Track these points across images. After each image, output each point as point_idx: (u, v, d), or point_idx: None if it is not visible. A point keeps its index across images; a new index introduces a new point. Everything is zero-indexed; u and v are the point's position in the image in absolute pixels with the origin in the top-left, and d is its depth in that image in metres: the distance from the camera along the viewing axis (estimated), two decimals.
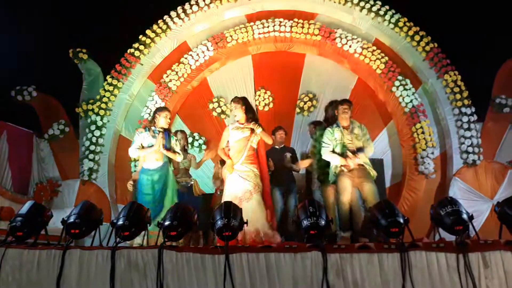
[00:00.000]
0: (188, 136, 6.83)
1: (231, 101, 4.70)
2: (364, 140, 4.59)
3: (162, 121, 4.74)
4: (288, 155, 5.57)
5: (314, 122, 5.63)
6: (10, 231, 3.39)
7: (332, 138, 4.56)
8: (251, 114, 4.62)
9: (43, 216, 3.57)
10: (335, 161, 4.51)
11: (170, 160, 4.74)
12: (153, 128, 4.72)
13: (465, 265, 2.89)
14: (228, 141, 4.64)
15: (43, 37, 7.83)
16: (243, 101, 4.64)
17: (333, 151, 4.53)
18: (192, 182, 5.63)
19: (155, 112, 4.89)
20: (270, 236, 4.15)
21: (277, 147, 5.67)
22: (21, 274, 3.22)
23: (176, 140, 4.86)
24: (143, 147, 4.65)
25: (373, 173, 4.49)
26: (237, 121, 4.62)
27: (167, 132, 4.76)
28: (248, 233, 4.03)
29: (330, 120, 4.88)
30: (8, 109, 7.47)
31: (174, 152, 4.70)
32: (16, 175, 7.07)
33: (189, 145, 7.06)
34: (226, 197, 4.31)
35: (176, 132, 5.78)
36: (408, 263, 2.93)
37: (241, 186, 4.31)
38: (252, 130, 4.50)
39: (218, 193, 5.58)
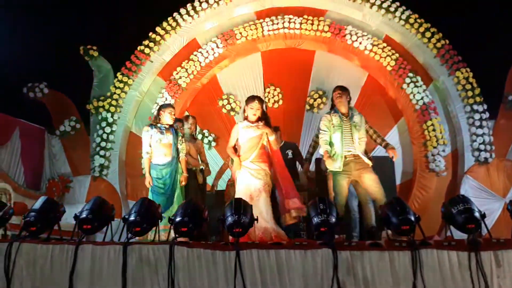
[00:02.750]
0: (198, 132, 6.85)
1: (253, 98, 4.54)
2: (363, 131, 4.51)
3: (167, 117, 4.78)
4: (290, 152, 5.57)
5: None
6: (24, 225, 3.43)
7: (329, 125, 4.47)
8: (264, 115, 4.56)
9: (56, 212, 3.60)
10: (321, 151, 4.51)
11: (178, 154, 4.79)
12: (159, 125, 4.76)
13: (477, 264, 2.87)
14: (237, 139, 4.59)
15: (54, 34, 7.89)
16: (263, 103, 4.60)
17: (330, 140, 4.45)
18: (201, 167, 5.58)
19: (159, 109, 4.92)
20: (281, 234, 4.15)
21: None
22: (35, 268, 3.26)
23: (182, 136, 4.90)
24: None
25: (368, 161, 4.40)
26: (247, 119, 4.52)
27: (173, 128, 4.81)
28: (256, 230, 4.04)
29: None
30: (20, 106, 7.56)
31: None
32: (28, 171, 7.16)
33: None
34: (237, 194, 4.30)
35: (188, 117, 5.76)
36: (419, 261, 2.92)
37: (251, 184, 4.30)
38: (265, 128, 4.46)
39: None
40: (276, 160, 4.50)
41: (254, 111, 4.45)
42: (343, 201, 4.35)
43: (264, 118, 4.52)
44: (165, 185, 4.58)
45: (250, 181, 4.31)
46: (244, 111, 4.57)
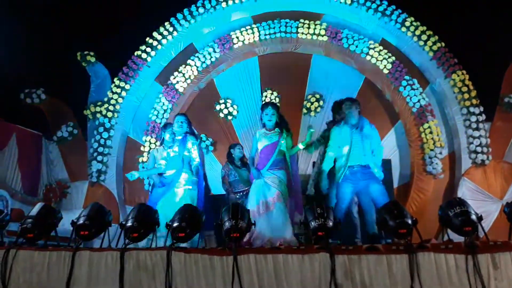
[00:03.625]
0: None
1: (267, 105, 4.57)
2: (375, 141, 4.50)
3: (176, 128, 4.74)
4: None
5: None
6: (21, 232, 3.42)
7: (338, 138, 4.46)
8: (282, 122, 4.57)
9: (53, 218, 3.60)
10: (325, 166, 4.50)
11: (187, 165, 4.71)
12: (171, 139, 4.81)
13: (474, 267, 2.86)
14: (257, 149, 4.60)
15: (51, 40, 7.89)
16: (278, 108, 4.61)
17: (341, 152, 4.45)
18: None
19: (163, 130, 5.02)
20: (288, 243, 4.07)
21: None
22: (32, 275, 3.24)
23: (192, 144, 4.76)
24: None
25: (379, 174, 4.41)
26: (265, 126, 4.54)
27: (183, 139, 4.71)
28: (258, 241, 4.03)
29: (339, 119, 4.84)
30: (17, 111, 7.54)
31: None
32: (25, 177, 7.14)
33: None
34: (250, 203, 4.32)
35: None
36: (417, 264, 2.91)
37: (266, 192, 4.29)
38: (280, 135, 4.46)
39: (238, 196, 5.60)
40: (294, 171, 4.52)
41: (269, 117, 4.48)
42: (343, 208, 4.35)
43: (280, 124, 4.53)
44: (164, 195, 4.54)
45: (265, 189, 4.30)
46: (261, 118, 4.60)
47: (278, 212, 4.22)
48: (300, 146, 4.67)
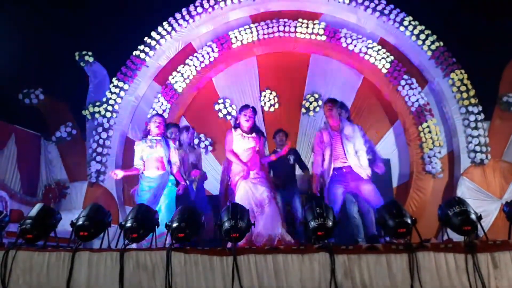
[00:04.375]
0: (194, 137, 6.81)
1: (247, 107, 4.54)
2: (358, 141, 4.43)
3: (153, 128, 4.71)
4: (292, 158, 5.58)
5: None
6: (20, 233, 3.41)
7: (320, 142, 4.47)
8: (255, 126, 4.59)
9: (53, 219, 3.59)
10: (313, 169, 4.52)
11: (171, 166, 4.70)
12: (149, 137, 4.73)
13: (474, 266, 2.87)
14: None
15: (49, 40, 7.88)
16: (256, 113, 4.60)
17: (323, 156, 4.46)
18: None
19: (148, 123, 4.93)
20: (286, 241, 4.11)
21: (278, 149, 5.69)
22: (31, 276, 3.24)
23: (175, 148, 4.81)
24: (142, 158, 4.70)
25: (366, 173, 4.34)
26: (240, 127, 4.49)
27: (165, 140, 4.72)
28: (259, 237, 4.03)
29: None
30: (15, 112, 7.53)
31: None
32: (24, 177, 7.12)
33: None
34: (241, 201, 4.27)
35: (183, 128, 5.72)
36: (417, 264, 2.92)
37: (258, 193, 4.27)
38: (258, 140, 4.47)
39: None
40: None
41: (247, 117, 4.45)
42: (337, 210, 4.34)
43: (256, 129, 4.54)
44: (149, 198, 4.46)
45: (254, 191, 4.28)
46: (237, 118, 4.55)
47: (271, 208, 4.22)
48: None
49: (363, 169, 4.34)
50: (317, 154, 4.51)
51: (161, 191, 4.54)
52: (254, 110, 4.56)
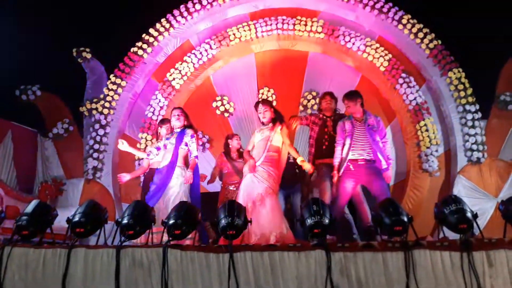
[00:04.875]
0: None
1: (257, 104, 4.68)
2: (381, 133, 4.57)
3: (174, 122, 4.75)
4: (291, 156, 5.56)
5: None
6: (16, 229, 3.41)
7: (341, 132, 4.52)
8: (277, 115, 4.65)
9: (49, 215, 3.59)
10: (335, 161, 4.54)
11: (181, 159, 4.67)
12: (166, 136, 4.80)
13: (469, 264, 2.88)
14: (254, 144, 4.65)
15: (47, 36, 7.86)
16: (270, 103, 4.73)
17: (343, 145, 4.47)
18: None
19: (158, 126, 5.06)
20: (285, 237, 4.11)
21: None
22: (27, 272, 3.23)
23: (191, 136, 4.72)
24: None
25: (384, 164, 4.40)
26: (262, 122, 4.62)
27: (181, 132, 4.71)
28: (253, 235, 4.04)
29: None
30: (12, 108, 7.50)
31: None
32: (21, 174, 7.11)
33: None
34: (240, 198, 4.31)
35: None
36: (412, 261, 2.93)
37: (255, 188, 4.29)
38: (272, 128, 4.50)
39: (232, 187, 5.59)
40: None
41: (262, 114, 4.59)
42: (343, 204, 4.36)
43: (275, 118, 4.60)
44: (153, 190, 4.49)
45: (253, 187, 4.31)
46: (258, 119, 4.72)
47: (267, 207, 4.22)
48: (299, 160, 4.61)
49: (384, 161, 4.38)
50: (338, 144, 4.52)
51: (166, 182, 4.49)
52: (265, 102, 4.77)
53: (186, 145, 4.64)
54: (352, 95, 4.65)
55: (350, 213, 4.81)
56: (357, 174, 4.36)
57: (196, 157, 4.63)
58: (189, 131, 4.70)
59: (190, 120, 4.85)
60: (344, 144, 4.46)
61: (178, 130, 4.71)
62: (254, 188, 4.30)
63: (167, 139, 4.72)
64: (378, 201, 4.26)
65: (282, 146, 4.57)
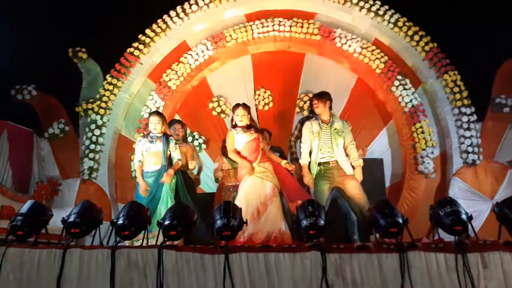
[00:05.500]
0: (188, 135, 6.76)
1: (237, 106, 4.60)
2: (348, 137, 4.55)
3: (150, 126, 4.75)
4: (278, 155, 5.58)
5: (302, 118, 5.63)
6: (11, 230, 3.40)
7: (309, 133, 4.51)
8: (253, 122, 4.65)
9: (44, 216, 3.58)
10: (301, 160, 4.54)
11: (170, 163, 4.72)
12: (151, 134, 4.74)
13: (464, 266, 2.89)
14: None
15: (43, 36, 7.82)
16: (249, 109, 4.64)
17: (310, 148, 4.49)
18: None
19: (148, 118, 4.95)
20: (284, 235, 4.13)
21: None
22: (22, 273, 3.22)
23: (175, 143, 4.81)
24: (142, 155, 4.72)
25: (350, 170, 4.42)
26: (240, 126, 4.56)
27: (165, 136, 4.76)
28: (260, 233, 4.05)
29: (313, 115, 4.90)
30: (8, 108, 7.46)
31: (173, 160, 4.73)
32: (16, 174, 7.07)
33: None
34: (242, 200, 4.25)
35: (173, 121, 5.67)
36: (407, 263, 2.94)
37: (261, 191, 4.28)
38: (259, 134, 4.52)
39: (231, 189, 5.57)
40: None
41: (239, 117, 4.52)
42: (323, 205, 4.35)
43: (253, 125, 4.59)
44: (150, 194, 4.51)
45: (260, 188, 4.29)
46: (232, 119, 4.64)
47: (275, 205, 4.25)
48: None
49: (348, 165, 4.40)
50: (306, 143, 4.53)
51: (158, 187, 4.53)
52: (246, 106, 4.60)
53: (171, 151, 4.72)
54: (322, 96, 4.66)
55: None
56: (329, 175, 4.39)
57: (180, 159, 4.74)
58: (171, 139, 4.79)
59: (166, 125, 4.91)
60: (311, 145, 4.49)
61: (159, 135, 4.72)
62: (261, 189, 4.29)
63: (151, 142, 4.69)
64: (356, 200, 4.31)
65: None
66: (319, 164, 4.43)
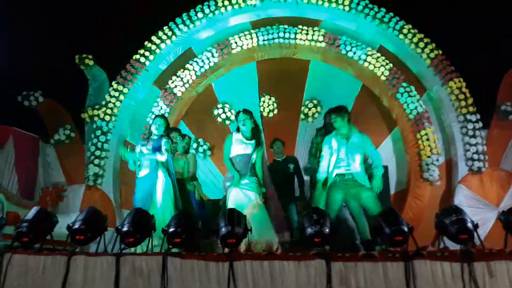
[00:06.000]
0: (192, 142, 6.76)
1: (238, 112, 4.53)
2: (368, 149, 4.52)
3: (153, 127, 4.75)
4: (292, 166, 5.59)
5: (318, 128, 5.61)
6: (16, 236, 3.41)
7: (327, 148, 4.51)
8: (258, 132, 4.51)
9: (49, 222, 3.59)
10: (318, 174, 4.54)
11: (166, 168, 4.66)
12: (150, 137, 4.77)
13: (469, 275, 2.87)
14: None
15: (49, 43, 7.90)
16: (251, 113, 4.54)
17: (329, 162, 4.48)
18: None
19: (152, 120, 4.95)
20: (270, 245, 4.05)
21: (278, 159, 5.70)
22: (27, 279, 3.23)
23: (167, 141, 4.72)
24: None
25: (367, 183, 4.39)
26: (242, 133, 4.45)
27: (163, 137, 4.71)
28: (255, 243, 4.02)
29: (329, 127, 4.87)
30: (14, 114, 7.51)
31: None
32: (22, 180, 7.08)
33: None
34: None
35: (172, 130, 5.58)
36: (413, 272, 2.92)
37: (247, 199, 4.23)
38: (256, 147, 4.40)
39: None
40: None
41: (242, 122, 4.41)
42: (333, 214, 4.33)
43: (255, 134, 4.46)
44: (139, 197, 4.50)
45: (244, 197, 4.23)
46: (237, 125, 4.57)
47: (261, 215, 4.17)
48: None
49: (366, 178, 4.38)
50: (325, 160, 4.52)
51: (151, 189, 4.49)
52: (247, 112, 4.50)
53: (160, 149, 4.62)
54: (339, 110, 4.62)
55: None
56: (344, 186, 4.36)
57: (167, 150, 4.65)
58: (167, 139, 4.75)
59: (168, 129, 4.91)
60: (329, 161, 4.48)
61: (155, 138, 4.70)
62: (246, 199, 4.22)
63: (143, 145, 4.68)
64: (369, 212, 4.25)
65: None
66: (336, 174, 4.42)
